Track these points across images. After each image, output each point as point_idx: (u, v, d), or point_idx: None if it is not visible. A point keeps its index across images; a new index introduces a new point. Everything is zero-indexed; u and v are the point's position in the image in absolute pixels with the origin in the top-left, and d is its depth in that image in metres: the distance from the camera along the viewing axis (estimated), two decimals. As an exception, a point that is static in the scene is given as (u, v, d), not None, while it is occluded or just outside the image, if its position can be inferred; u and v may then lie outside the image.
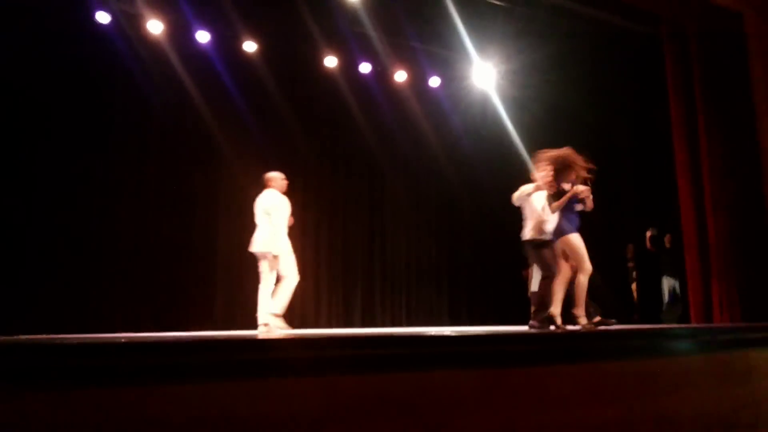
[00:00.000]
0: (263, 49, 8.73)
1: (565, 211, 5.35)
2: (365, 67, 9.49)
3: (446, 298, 10.24)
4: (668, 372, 3.44)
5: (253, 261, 6.32)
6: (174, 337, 4.25)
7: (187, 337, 4.03)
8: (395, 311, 9.79)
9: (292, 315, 8.81)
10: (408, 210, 10.15)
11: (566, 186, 5.39)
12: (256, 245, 5.96)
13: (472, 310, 10.35)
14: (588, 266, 5.18)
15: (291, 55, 9.05)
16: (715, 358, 3.82)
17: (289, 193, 9.08)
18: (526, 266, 10.27)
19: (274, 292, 5.91)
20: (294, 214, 9.03)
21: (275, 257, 5.89)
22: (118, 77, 7.87)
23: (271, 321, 5.78)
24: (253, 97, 8.73)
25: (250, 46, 8.62)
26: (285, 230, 6.01)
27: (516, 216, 10.90)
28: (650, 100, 8.38)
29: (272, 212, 5.99)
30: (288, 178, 9.09)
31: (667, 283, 7.84)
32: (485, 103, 10.21)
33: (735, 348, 4.02)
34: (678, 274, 7.67)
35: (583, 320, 5.19)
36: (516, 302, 10.74)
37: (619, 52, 8.87)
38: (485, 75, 9.69)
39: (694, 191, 7.23)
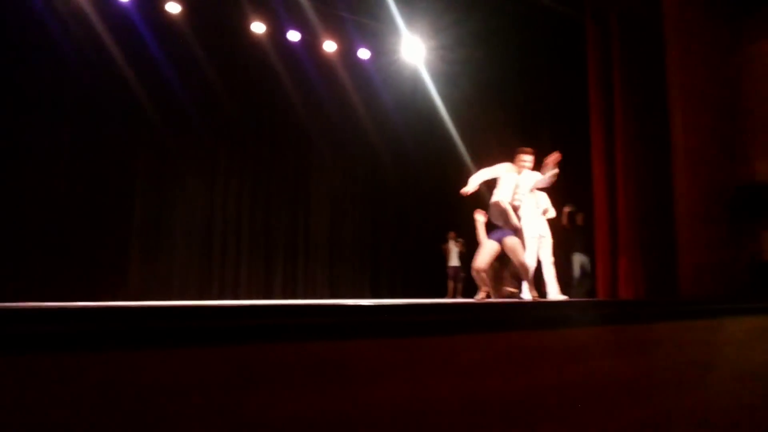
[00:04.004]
0: (187, 10, 8.43)
1: None
2: (294, 35, 9.32)
3: (368, 270, 10.32)
4: (574, 343, 3.60)
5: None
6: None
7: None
8: (317, 283, 9.80)
9: (212, 285, 8.69)
10: (333, 181, 10.13)
11: None
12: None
13: (393, 283, 10.49)
14: None
15: (217, 18, 8.79)
16: (619, 330, 4.02)
17: (212, 159, 8.91)
18: (446, 240, 10.46)
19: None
20: (218, 182, 8.92)
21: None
22: (35, 35, 7.43)
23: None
24: (177, 59, 8.45)
25: (173, 7, 8.30)
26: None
27: (441, 192, 10.99)
28: (571, 81, 8.48)
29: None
30: (211, 144, 8.93)
31: (578, 260, 8.15)
32: (415, 78, 10.24)
33: (637, 321, 4.24)
34: (589, 251, 7.99)
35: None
36: (435, 275, 10.95)
37: (543, 30, 8.97)
38: (414, 49, 9.71)
39: (607, 171, 7.47)
